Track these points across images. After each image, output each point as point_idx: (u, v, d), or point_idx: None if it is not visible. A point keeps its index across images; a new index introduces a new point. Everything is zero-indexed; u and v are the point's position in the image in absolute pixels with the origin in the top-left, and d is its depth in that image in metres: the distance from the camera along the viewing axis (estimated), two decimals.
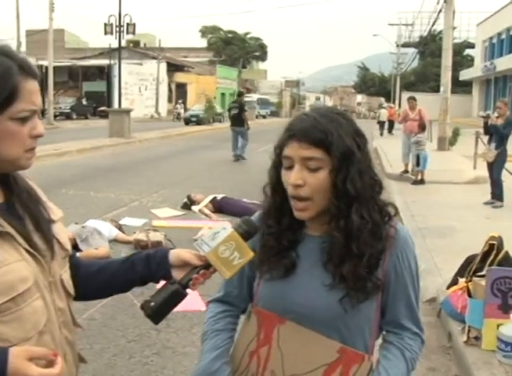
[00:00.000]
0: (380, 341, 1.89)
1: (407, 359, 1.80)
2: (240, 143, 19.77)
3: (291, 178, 1.69)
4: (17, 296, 1.44)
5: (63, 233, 1.70)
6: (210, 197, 10.44)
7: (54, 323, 1.56)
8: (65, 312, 1.63)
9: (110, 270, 1.80)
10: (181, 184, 13.46)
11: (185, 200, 10.63)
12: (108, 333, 5.03)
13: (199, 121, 44.76)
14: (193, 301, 5.55)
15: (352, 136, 1.71)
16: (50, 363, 1.45)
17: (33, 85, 1.49)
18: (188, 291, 1.72)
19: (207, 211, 10.02)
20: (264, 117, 74.47)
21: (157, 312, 1.67)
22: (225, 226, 1.70)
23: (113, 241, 7.92)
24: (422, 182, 14.05)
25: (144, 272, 1.76)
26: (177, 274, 1.72)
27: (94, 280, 1.80)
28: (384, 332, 1.87)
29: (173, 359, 4.61)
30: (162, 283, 1.75)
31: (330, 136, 1.66)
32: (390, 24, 65.96)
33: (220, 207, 10.14)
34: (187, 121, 44.19)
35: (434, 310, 5.68)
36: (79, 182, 13.02)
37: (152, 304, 1.65)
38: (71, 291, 1.68)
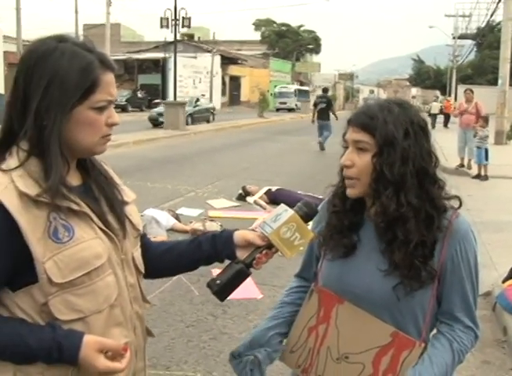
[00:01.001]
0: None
1: (454, 351, 1.82)
2: (324, 134, 20.73)
3: (342, 159, 1.84)
4: (92, 271, 1.55)
5: (135, 214, 1.80)
6: (265, 189, 10.55)
7: (125, 298, 1.67)
8: (136, 288, 1.74)
9: (178, 250, 1.91)
10: (235, 176, 13.59)
11: (241, 191, 10.76)
12: (167, 318, 5.18)
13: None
14: (249, 290, 5.66)
15: (402, 124, 1.77)
16: (119, 356, 1.56)
17: (110, 77, 1.60)
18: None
19: (262, 203, 10.12)
20: None
21: (223, 289, 1.75)
22: (286, 209, 1.79)
23: (171, 230, 8.08)
24: (486, 177, 13.76)
25: (210, 251, 1.86)
26: (241, 254, 1.81)
27: (163, 259, 1.91)
28: (438, 322, 1.90)
29: (229, 344, 4.71)
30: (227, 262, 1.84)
31: (376, 121, 1.77)
32: (446, 15, 64.64)
33: (274, 199, 10.19)
34: (154, 122, 29.58)
35: (489, 304, 5.64)
36: (136, 173, 13.24)
37: (218, 282, 1.74)
38: (141, 268, 1.78)
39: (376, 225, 1.83)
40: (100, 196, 1.69)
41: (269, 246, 1.77)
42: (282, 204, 1.84)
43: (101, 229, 1.60)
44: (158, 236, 7.46)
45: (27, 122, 1.52)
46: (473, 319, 1.87)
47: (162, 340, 4.67)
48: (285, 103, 62.68)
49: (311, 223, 1.96)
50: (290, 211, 1.77)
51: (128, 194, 1.81)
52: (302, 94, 66.93)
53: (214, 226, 7.99)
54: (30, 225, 1.46)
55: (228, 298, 1.80)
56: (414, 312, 1.83)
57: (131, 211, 1.78)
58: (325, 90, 23.34)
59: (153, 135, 23.38)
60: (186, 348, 4.65)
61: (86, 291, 1.55)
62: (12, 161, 1.52)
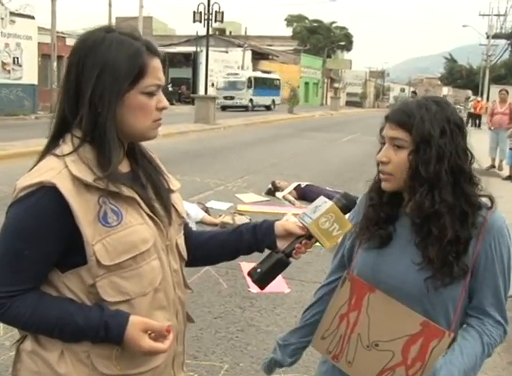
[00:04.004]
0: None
1: (484, 344, 1.84)
2: None
3: (378, 155, 1.88)
4: (138, 255, 1.61)
5: (180, 202, 1.86)
6: (294, 184, 10.57)
7: (169, 282, 1.72)
8: (179, 274, 1.79)
9: (220, 239, 1.96)
10: (264, 171, 13.63)
11: (270, 186, 10.79)
12: (195, 308, 5.23)
13: None
14: (277, 284, 5.70)
15: (439, 122, 1.80)
16: (161, 337, 1.62)
17: (157, 63, 1.67)
18: None
19: (291, 198, 10.17)
20: (268, 108, 44.97)
21: (263, 277, 1.81)
22: (325, 200, 1.84)
23: (200, 223, 8.15)
24: None
25: (251, 241, 1.91)
26: (281, 244, 1.86)
27: (205, 248, 1.96)
28: (468, 317, 1.92)
29: (256, 336, 4.77)
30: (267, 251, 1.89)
31: (413, 119, 1.80)
32: (481, 15, 63.80)
33: (303, 195, 10.23)
34: None
35: None
36: (165, 165, 12.78)
37: (258, 270, 1.80)
38: (185, 255, 1.84)
39: (413, 221, 1.86)
40: (147, 183, 1.75)
41: (309, 236, 1.82)
42: (321, 196, 1.89)
43: (148, 215, 1.66)
44: None
45: (82, 110, 1.58)
46: (503, 315, 1.89)
47: (190, 330, 4.69)
48: (232, 98, 42.74)
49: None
50: (329, 203, 1.82)
51: (173, 183, 1.87)
52: (264, 84, 45.19)
53: (243, 220, 8.02)
54: (82, 208, 1.52)
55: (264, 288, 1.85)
56: (445, 305, 1.85)
57: (176, 199, 1.84)
58: (414, 92, 24.02)
59: (183, 128, 23.47)
60: (214, 339, 4.72)
61: (132, 274, 1.61)
62: (65, 147, 1.59)
